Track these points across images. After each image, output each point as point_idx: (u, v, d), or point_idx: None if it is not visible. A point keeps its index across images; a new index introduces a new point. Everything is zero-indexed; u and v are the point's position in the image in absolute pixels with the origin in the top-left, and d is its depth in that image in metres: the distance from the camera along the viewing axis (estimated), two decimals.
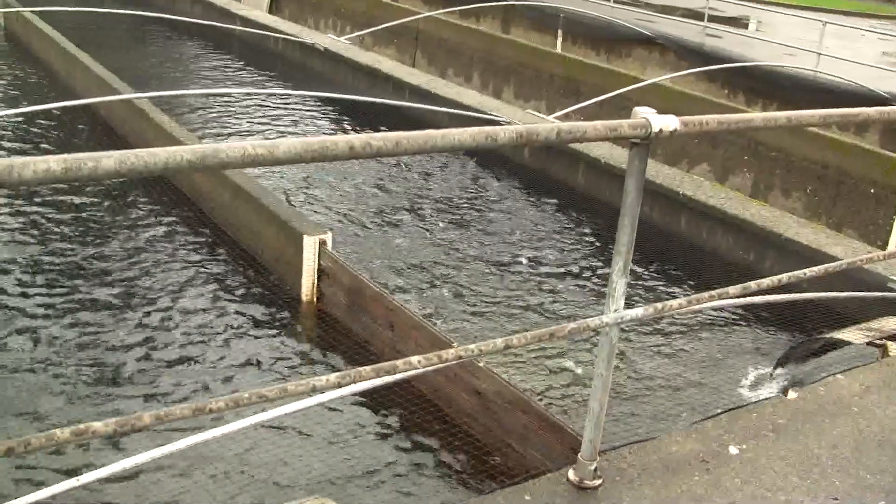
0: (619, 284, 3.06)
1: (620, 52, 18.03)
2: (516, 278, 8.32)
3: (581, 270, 8.63)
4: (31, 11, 15.26)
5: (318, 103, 13.67)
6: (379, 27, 16.79)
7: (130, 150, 2.10)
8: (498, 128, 2.56)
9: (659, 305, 3.32)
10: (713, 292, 3.49)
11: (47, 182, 2.03)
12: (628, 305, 3.15)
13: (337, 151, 2.29)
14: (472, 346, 2.82)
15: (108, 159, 2.06)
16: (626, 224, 3.00)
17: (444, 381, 5.85)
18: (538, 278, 8.37)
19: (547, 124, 2.70)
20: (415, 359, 2.67)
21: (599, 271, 8.56)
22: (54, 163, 1.98)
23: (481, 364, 5.55)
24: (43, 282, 7.44)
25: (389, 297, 6.61)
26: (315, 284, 7.24)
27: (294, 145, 2.25)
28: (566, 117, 11.52)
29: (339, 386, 2.67)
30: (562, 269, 8.61)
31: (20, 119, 11.37)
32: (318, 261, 7.18)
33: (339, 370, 4.94)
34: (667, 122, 2.85)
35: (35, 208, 8.79)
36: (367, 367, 2.62)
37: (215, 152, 2.18)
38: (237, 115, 12.91)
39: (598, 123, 2.80)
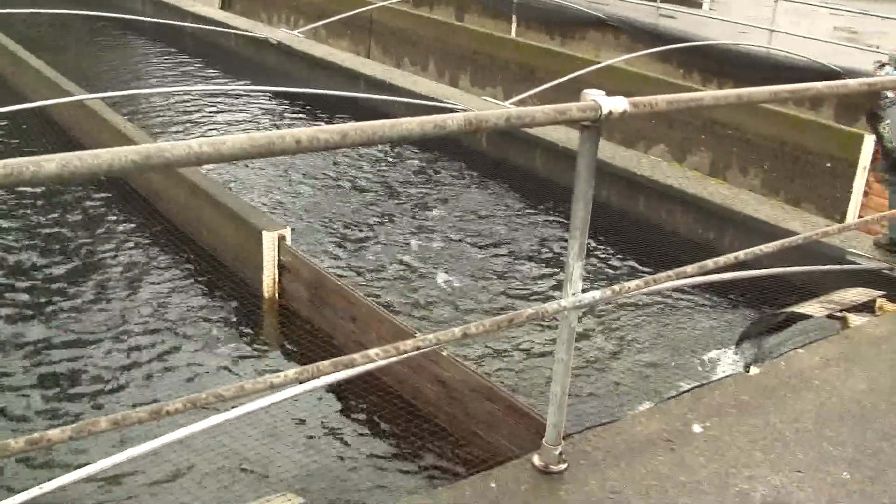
0: (575, 268, 3.05)
1: (574, 36, 18.04)
2: (472, 265, 8.33)
3: (538, 254, 8.65)
4: None
5: (275, 98, 13.57)
6: (332, 19, 16.68)
7: (73, 153, 2.06)
8: (446, 115, 2.54)
9: (616, 287, 3.33)
10: (671, 272, 3.50)
11: None
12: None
13: (284, 146, 2.27)
14: (429, 336, 2.80)
15: (50, 163, 2.02)
16: (580, 207, 2.99)
17: (409, 371, 5.83)
18: (497, 262, 8.38)
19: (496, 110, 2.69)
20: (372, 352, 2.65)
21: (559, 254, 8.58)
22: None
23: (444, 353, 5.54)
24: None
25: (350, 289, 6.58)
26: (276, 280, 7.19)
27: (240, 141, 2.22)
28: (522, 103, 11.51)
29: (298, 382, 2.66)
30: (524, 253, 8.62)
31: None
32: (278, 256, 7.13)
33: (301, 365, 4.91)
34: (616, 104, 2.85)
35: None
36: (326, 362, 2.60)
37: (159, 151, 2.14)
38: (192, 113, 12.77)
39: (548, 108, 2.79)
